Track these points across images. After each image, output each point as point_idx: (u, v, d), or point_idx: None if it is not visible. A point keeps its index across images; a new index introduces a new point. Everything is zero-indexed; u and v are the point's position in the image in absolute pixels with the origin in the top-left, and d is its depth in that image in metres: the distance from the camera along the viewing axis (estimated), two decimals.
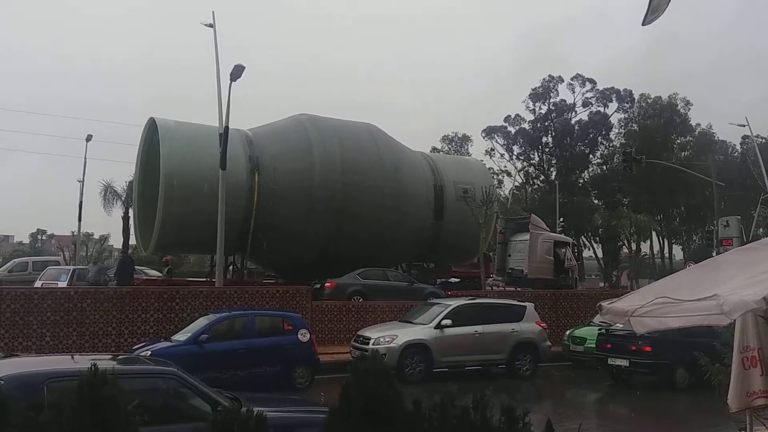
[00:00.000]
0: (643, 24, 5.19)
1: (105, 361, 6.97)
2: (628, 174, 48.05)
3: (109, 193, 42.68)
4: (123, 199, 40.90)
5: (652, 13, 5.06)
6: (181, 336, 13.39)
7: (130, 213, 27.22)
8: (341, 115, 27.52)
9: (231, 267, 25.56)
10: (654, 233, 61.66)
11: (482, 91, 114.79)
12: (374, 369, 4.82)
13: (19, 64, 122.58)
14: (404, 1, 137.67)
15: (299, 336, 14.01)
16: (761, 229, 38.05)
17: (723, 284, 4.62)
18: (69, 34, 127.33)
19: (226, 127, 20.59)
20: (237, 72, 20.13)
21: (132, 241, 29.56)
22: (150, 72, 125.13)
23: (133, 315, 16.77)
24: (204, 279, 25.59)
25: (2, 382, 5.65)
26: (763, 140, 55.29)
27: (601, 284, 57.46)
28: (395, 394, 4.72)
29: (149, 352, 12.16)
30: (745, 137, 59.13)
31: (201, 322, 13.81)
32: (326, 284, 21.60)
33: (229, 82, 20.36)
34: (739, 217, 33.88)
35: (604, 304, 5.78)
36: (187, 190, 22.15)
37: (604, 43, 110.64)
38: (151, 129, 24.14)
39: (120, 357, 7.88)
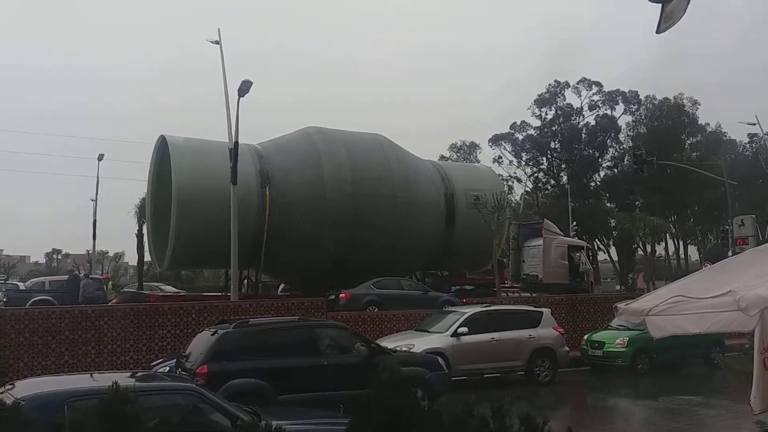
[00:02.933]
0: (657, 32, 5.16)
1: (124, 379, 7.04)
2: (639, 176, 47.87)
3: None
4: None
5: (665, 21, 5.03)
6: None
7: (144, 230, 27.35)
8: (350, 119, 27.70)
9: (246, 281, 25.66)
10: (668, 234, 61.32)
11: (498, 104, 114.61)
12: (393, 379, 4.85)
13: (22, 80, 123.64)
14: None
15: None
16: None
17: (738, 282, 4.59)
18: (78, 48, 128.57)
19: (236, 143, 20.71)
20: (245, 88, 20.23)
21: (147, 257, 29.68)
22: (158, 83, 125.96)
23: (150, 331, 16.83)
24: (219, 293, 25.69)
25: (23, 403, 5.70)
26: None
27: (618, 287, 57.04)
28: (414, 404, 4.73)
29: (168, 369, 12.19)
30: (752, 135, 58.85)
31: None
32: (341, 295, 21.59)
33: (237, 97, 20.48)
34: (754, 215, 33.68)
35: (620, 305, 5.76)
36: (198, 205, 22.29)
37: (622, 53, 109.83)
38: (162, 146, 24.34)
39: (139, 374, 7.92)
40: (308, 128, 26.10)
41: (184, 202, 22.34)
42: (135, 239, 29.72)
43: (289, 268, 25.09)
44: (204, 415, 6.65)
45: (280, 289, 28.49)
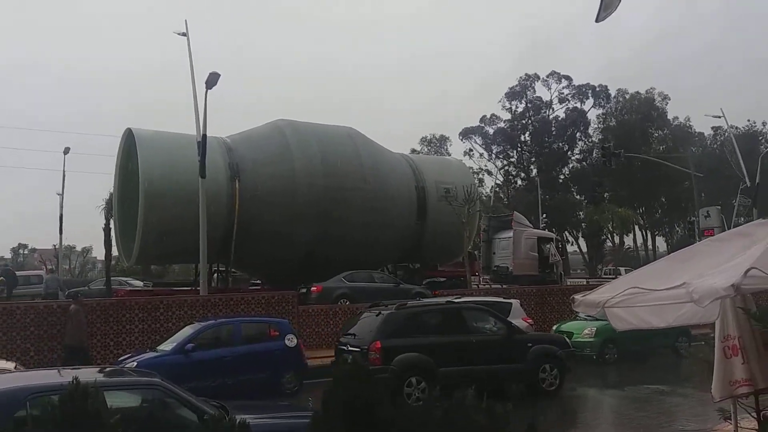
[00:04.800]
0: (596, 21, 5.26)
1: (89, 374, 6.93)
2: (607, 168, 48.44)
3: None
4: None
5: (605, 10, 5.13)
6: (167, 346, 13.30)
7: (111, 224, 26.97)
8: (323, 117, 27.62)
9: (216, 275, 25.45)
10: (636, 226, 62.19)
11: (467, 95, 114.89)
12: (356, 372, 4.84)
13: None
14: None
15: (286, 341, 13.95)
16: (742, 219, 38.41)
17: (693, 273, 4.67)
18: (39, 43, 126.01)
19: (204, 135, 20.47)
20: (212, 80, 19.97)
21: (114, 252, 29.26)
22: (124, 80, 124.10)
23: (117, 326, 16.63)
24: (189, 287, 25.44)
25: None
26: (738, 130, 55.99)
27: (587, 280, 57.78)
28: (377, 396, 4.73)
29: (135, 364, 12.08)
30: (716, 128, 59.96)
31: (186, 331, 13.72)
32: (312, 288, 21.56)
33: (204, 89, 20.23)
34: (720, 207, 34.33)
35: (578, 296, 5.82)
36: (167, 199, 22.04)
37: (600, 51, 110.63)
38: (129, 139, 24.01)
39: (105, 369, 7.81)
40: (279, 121, 25.93)
41: (152, 195, 22.08)
42: (103, 234, 29.17)
43: (260, 261, 24.95)
44: (170, 409, 6.59)
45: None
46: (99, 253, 56.51)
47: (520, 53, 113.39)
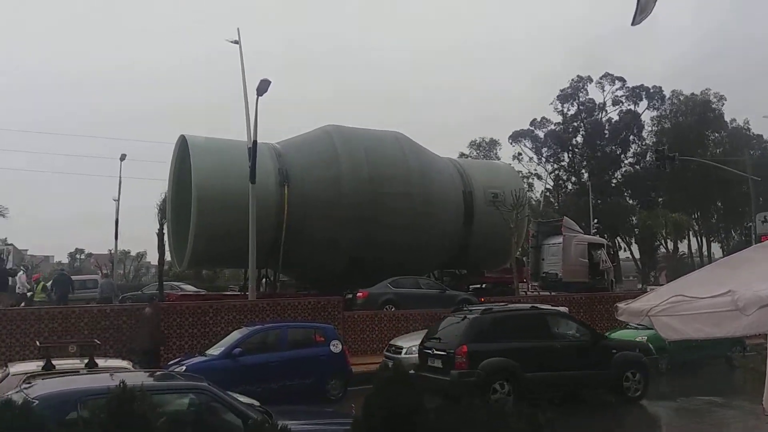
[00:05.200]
0: (632, 24, 5.16)
1: (138, 378, 7.10)
2: (662, 172, 47.37)
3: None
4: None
5: (641, 13, 5.03)
6: (215, 350, 13.51)
7: (165, 229, 27.61)
8: (370, 115, 27.79)
9: (264, 280, 25.78)
10: (691, 232, 60.58)
11: (518, 98, 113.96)
12: (397, 378, 4.84)
13: (47, 84, 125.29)
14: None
15: (331, 347, 14.02)
16: None
17: (739, 280, 4.51)
18: (91, 50, 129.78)
19: (255, 141, 20.79)
20: (263, 87, 20.28)
21: (168, 256, 29.95)
22: (175, 83, 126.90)
23: (167, 330, 16.95)
24: (238, 293, 25.86)
25: (37, 402, 5.78)
26: None
27: (639, 285, 56.53)
28: (418, 402, 4.73)
29: (184, 368, 12.28)
30: None
31: (234, 336, 13.91)
32: (358, 294, 21.62)
33: (255, 96, 20.56)
34: None
35: (621, 305, 5.69)
36: (218, 204, 22.45)
37: (654, 52, 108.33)
38: (182, 146, 24.54)
39: (155, 373, 8.00)
40: (327, 126, 26.17)
41: (204, 200, 22.52)
42: (156, 239, 29.86)
43: (307, 266, 25.16)
44: (216, 413, 6.69)
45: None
46: (153, 257, 57.95)
47: (572, 55, 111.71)
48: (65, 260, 74.86)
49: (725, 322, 4.86)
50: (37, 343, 9.66)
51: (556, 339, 13.19)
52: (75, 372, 8.00)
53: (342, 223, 23.67)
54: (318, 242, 23.62)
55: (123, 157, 40.00)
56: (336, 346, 14.07)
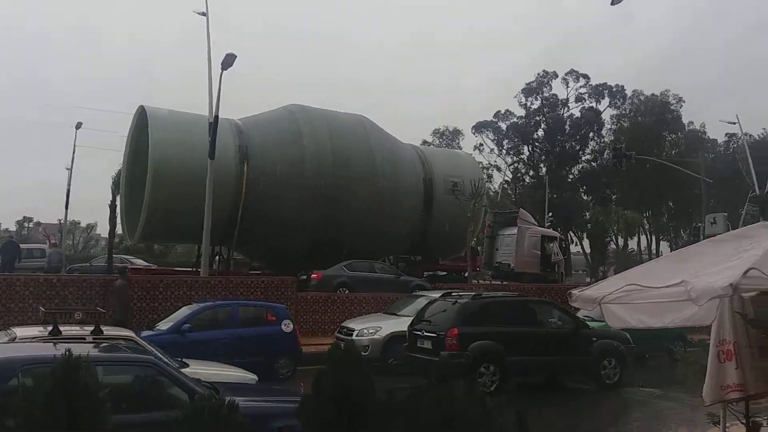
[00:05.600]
0: (612, 4, 5.23)
1: (83, 348, 6.95)
2: (617, 170, 48.21)
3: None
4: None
5: None
6: (164, 325, 13.34)
7: (117, 201, 27.04)
8: (335, 99, 27.59)
9: (217, 257, 25.50)
10: (642, 230, 61.93)
11: (483, 89, 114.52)
12: (348, 358, 4.82)
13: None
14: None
15: (282, 327, 13.96)
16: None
17: (692, 272, 4.63)
18: (51, 17, 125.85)
19: (216, 117, 20.48)
20: (228, 61, 19.97)
21: (119, 230, 29.35)
22: (138, 53, 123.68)
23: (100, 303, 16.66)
24: (190, 269, 25.51)
25: None
26: (752, 138, 55.57)
27: (588, 279, 57.69)
28: (368, 383, 4.71)
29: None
30: (730, 135, 59.57)
31: (184, 312, 13.76)
32: (312, 275, 21.59)
33: (219, 70, 20.20)
34: (726, 214, 34.12)
35: (575, 291, 5.79)
36: (174, 178, 22.09)
37: (622, 49, 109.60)
38: (141, 117, 24.03)
39: (100, 345, 7.85)
40: (291, 105, 25.92)
41: (160, 173, 22.13)
42: (108, 211, 29.23)
43: (265, 246, 24.99)
44: (162, 387, 6.61)
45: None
46: (103, 230, 56.80)
47: (541, 50, 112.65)
48: (12, 228, 72.78)
49: (667, 313, 4.99)
50: (41, 309, 9.66)
51: (540, 326, 13.74)
52: (81, 338, 8.14)
53: (302, 204, 23.54)
54: (276, 222, 23.45)
55: (79, 125, 39.05)
56: (287, 326, 14.02)
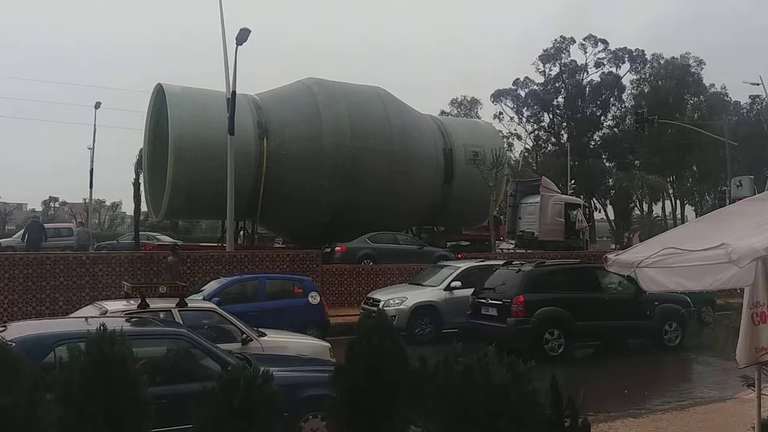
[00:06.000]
0: None
1: (117, 323, 7.05)
2: (640, 135, 47.62)
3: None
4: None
5: None
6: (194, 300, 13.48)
7: (141, 179, 27.28)
8: (351, 67, 27.46)
9: (242, 232, 25.68)
10: (666, 194, 61.22)
11: (501, 56, 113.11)
12: (379, 327, 4.84)
13: (21, 30, 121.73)
14: None
15: (309, 299, 14.07)
16: None
17: (731, 234, 4.54)
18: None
19: (233, 92, 20.47)
20: (243, 36, 19.91)
21: (143, 207, 29.64)
22: (154, 40, 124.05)
23: (145, 279, 16.83)
24: (216, 244, 25.76)
25: (14, 344, 5.72)
26: None
27: (612, 246, 57.34)
28: (400, 351, 4.74)
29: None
30: (754, 97, 58.40)
31: (212, 286, 13.93)
32: (336, 248, 21.68)
33: (235, 46, 20.15)
34: (752, 176, 33.58)
35: (610, 255, 5.73)
36: (195, 154, 22.19)
37: (641, 8, 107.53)
38: (159, 95, 24.10)
39: (132, 319, 7.98)
40: (307, 80, 25.80)
41: (181, 151, 22.23)
42: (132, 189, 29.49)
43: (286, 220, 25.09)
44: (195, 359, 6.71)
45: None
46: (128, 208, 57.32)
47: (557, 13, 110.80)
48: (39, 208, 73.80)
49: (706, 276, 4.91)
50: (125, 285, 10.00)
51: (603, 291, 13.86)
52: (167, 310, 8.78)
53: (321, 178, 23.56)
54: (297, 196, 23.51)
55: (98, 105, 39.28)
56: (314, 298, 14.12)
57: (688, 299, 14.69)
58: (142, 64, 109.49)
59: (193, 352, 6.69)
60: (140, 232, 30.54)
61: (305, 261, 19.02)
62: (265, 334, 9.36)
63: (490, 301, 13.69)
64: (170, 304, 8.98)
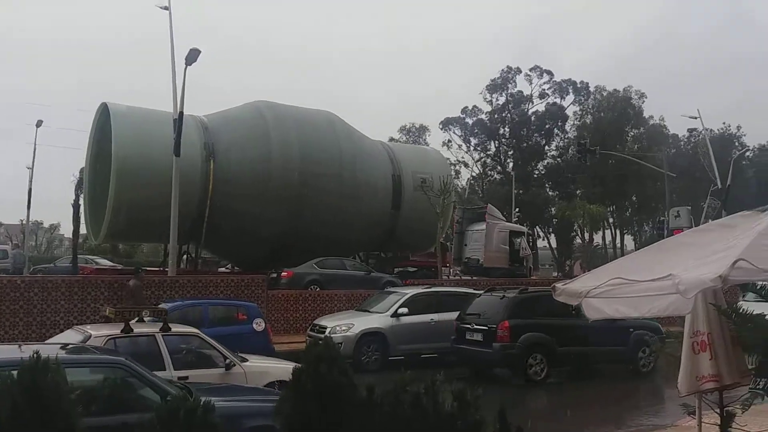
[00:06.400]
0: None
1: (51, 350, 6.76)
2: (582, 165, 48.83)
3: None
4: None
5: None
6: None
7: (81, 200, 26.51)
8: (300, 103, 27.37)
9: (185, 256, 25.15)
10: (606, 224, 62.80)
11: (450, 85, 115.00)
12: (327, 355, 4.76)
13: None
14: None
15: (254, 325, 13.76)
16: (710, 220, 38.90)
17: (678, 264, 4.63)
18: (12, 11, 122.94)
19: (181, 113, 20.18)
20: (192, 56, 19.67)
21: (83, 229, 28.80)
22: (101, 52, 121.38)
23: (82, 305, 16.34)
24: (158, 268, 25.13)
25: None
26: (713, 133, 56.68)
27: (555, 273, 58.35)
28: (347, 379, 4.67)
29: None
30: (691, 130, 60.76)
31: None
32: (283, 273, 21.41)
33: (184, 66, 19.90)
34: (690, 207, 34.73)
35: (559, 285, 5.78)
36: (139, 176, 21.68)
37: (587, 40, 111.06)
38: (103, 114, 23.56)
39: (68, 346, 7.66)
40: (257, 102, 25.63)
41: (124, 171, 21.70)
42: (71, 210, 28.61)
43: (231, 244, 24.70)
44: (133, 389, 6.46)
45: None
46: (67, 230, 55.69)
47: (510, 46, 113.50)
48: None
49: (644, 304, 5.00)
50: (106, 311, 10.01)
51: (583, 318, 13.71)
52: (151, 335, 8.78)
53: (269, 203, 23.30)
54: (243, 220, 23.19)
55: (39, 124, 38.15)
56: (259, 325, 13.83)
57: (659, 326, 15.04)
58: (89, 86, 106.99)
59: (131, 382, 6.44)
60: (79, 255, 29.61)
61: (250, 286, 18.71)
62: (246, 360, 9.32)
63: (476, 327, 14.06)
64: (153, 328, 8.99)
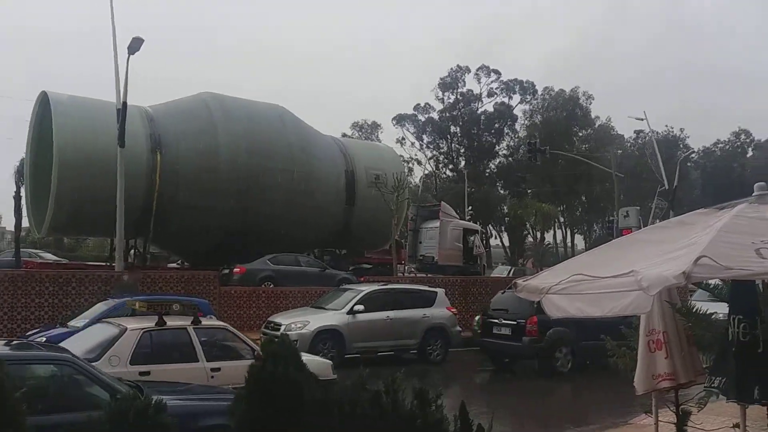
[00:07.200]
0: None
1: None
2: (532, 165, 49.47)
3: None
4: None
5: None
6: (79, 322, 12.63)
7: (22, 192, 25.61)
8: (249, 97, 26.92)
9: (132, 251, 24.51)
10: (557, 223, 63.88)
11: (405, 81, 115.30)
12: (283, 353, 4.63)
13: None
14: None
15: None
16: (658, 220, 39.84)
17: (639, 261, 4.63)
18: None
19: (124, 103, 19.64)
20: (135, 45, 19.17)
21: (25, 222, 27.86)
22: (41, 40, 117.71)
23: (26, 299, 15.80)
24: (104, 263, 24.46)
25: None
26: (657, 135, 58.15)
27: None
28: (305, 377, 4.54)
29: (44, 339, 11.45)
30: (638, 131, 62.30)
31: (99, 308, 13.09)
32: (235, 269, 21.05)
33: (126, 55, 19.38)
34: (638, 207, 35.49)
35: (519, 281, 5.76)
36: (82, 166, 21.00)
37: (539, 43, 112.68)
38: (44, 103, 22.74)
39: (12, 343, 7.34)
40: (204, 94, 25.08)
41: (66, 162, 20.99)
42: (12, 202, 27.65)
43: (181, 239, 24.18)
44: (80, 386, 6.23)
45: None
46: (8, 222, 53.78)
47: (467, 44, 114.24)
48: None
49: (606, 302, 5.00)
50: (137, 305, 10.35)
51: None
52: (183, 328, 9.06)
53: (218, 196, 22.86)
54: (192, 214, 22.71)
55: None
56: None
57: None
58: (31, 73, 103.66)
59: (79, 379, 6.20)
60: (21, 249, 28.64)
61: (202, 282, 18.37)
62: None
63: (504, 321, 14.91)
64: (184, 321, 9.24)
